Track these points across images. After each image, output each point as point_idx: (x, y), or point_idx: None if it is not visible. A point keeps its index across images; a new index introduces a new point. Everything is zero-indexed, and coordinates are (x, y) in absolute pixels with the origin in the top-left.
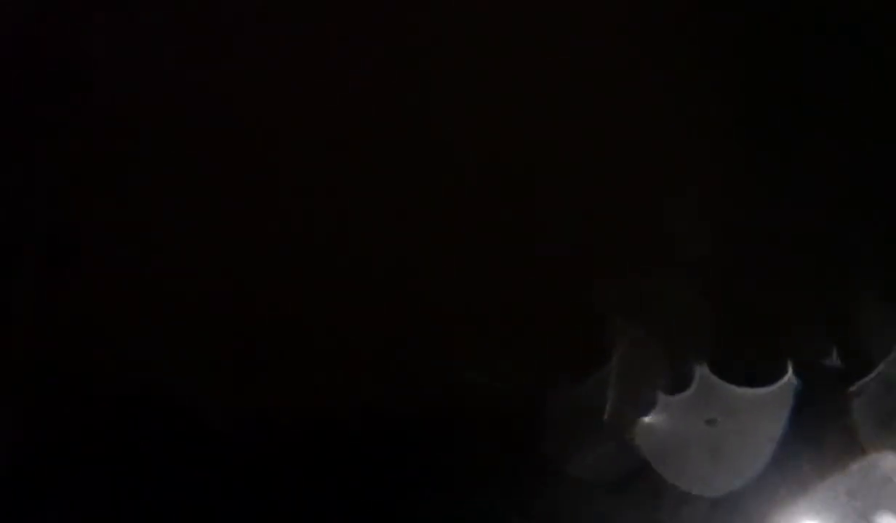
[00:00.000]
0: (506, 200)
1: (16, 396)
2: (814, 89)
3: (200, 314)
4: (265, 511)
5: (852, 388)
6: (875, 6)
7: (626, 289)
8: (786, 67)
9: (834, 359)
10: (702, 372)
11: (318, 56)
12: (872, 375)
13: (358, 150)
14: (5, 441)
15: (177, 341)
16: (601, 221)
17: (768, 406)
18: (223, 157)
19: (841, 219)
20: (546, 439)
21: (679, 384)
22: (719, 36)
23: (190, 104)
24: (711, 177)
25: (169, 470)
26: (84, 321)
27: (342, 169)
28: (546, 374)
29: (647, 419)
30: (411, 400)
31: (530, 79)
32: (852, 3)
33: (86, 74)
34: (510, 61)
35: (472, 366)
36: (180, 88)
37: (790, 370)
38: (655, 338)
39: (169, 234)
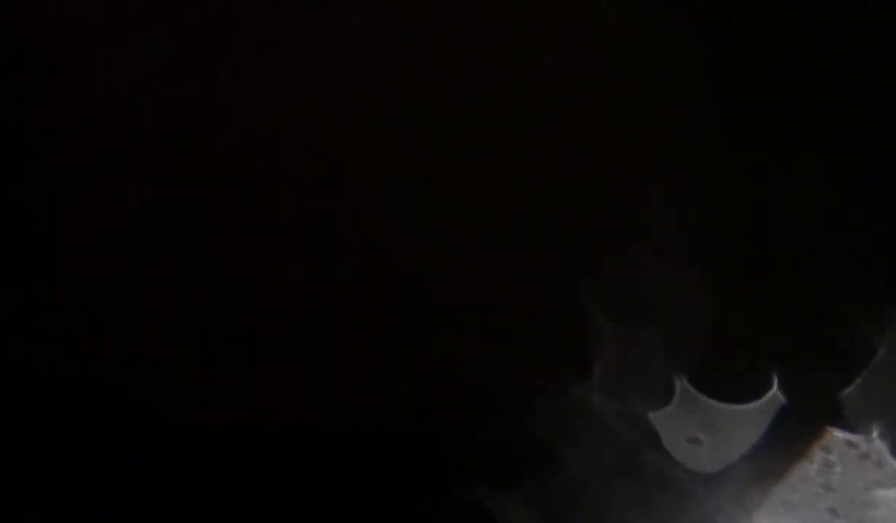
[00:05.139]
0: (503, 199)
1: (7, 398)
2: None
3: (195, 313)
4: (257, 511)
5: (838, 398)
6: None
7: (611, 298)
8: (785, 63)
9: (820, 373)
10: (683, 386)
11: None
12: (856, 384)
13: (358, 146)
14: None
15: (170, 341)
16: (588, 230)
17: (753, 421)
18: (220, 152)
19: (824, 235)
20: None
21: (661, 399)
22: (718, 30)
23: (184, 96)
24: (698, 190)
25: (163, 471)
26: (74, 320)
27: (341, 166)
28: (534, 378)
29: (630, 436)
30: (407, 396)
31: (525, 75)
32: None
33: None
34: (507, 58)
35: (468, 363)
36: (175, 79)
37: (776, 384)
38: (637, 350)
39: (163, 233)
